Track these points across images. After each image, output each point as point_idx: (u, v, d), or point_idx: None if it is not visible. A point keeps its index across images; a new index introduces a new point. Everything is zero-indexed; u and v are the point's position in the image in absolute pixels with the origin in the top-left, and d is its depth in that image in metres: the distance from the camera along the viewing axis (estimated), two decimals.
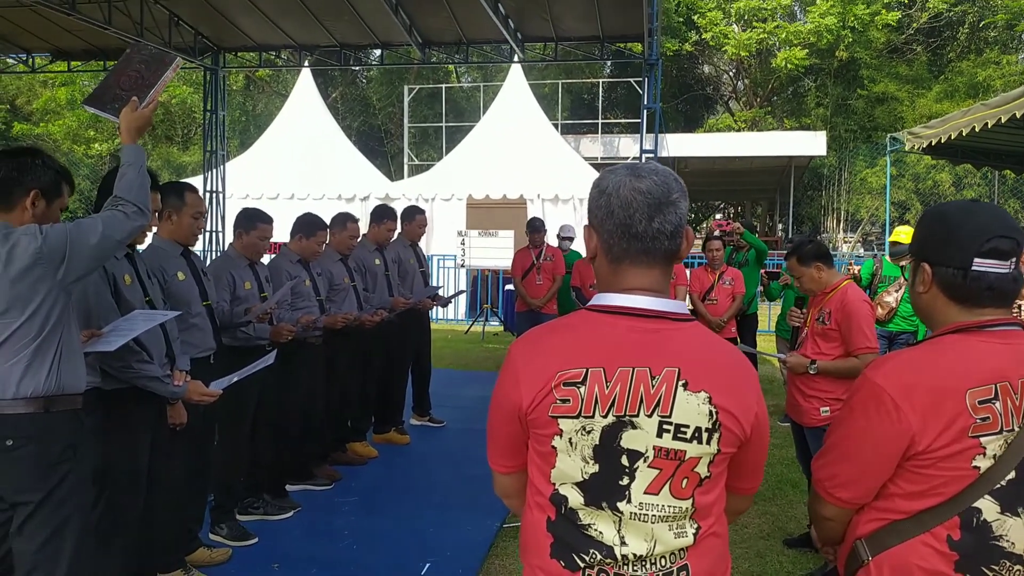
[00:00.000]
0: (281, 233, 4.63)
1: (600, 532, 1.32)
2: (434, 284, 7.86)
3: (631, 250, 1.35)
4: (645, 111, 10.32)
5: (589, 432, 1.31)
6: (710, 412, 1.31)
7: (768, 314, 10.65)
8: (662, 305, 1.35)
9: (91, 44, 11.07)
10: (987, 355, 1.46)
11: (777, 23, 24.53)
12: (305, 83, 16.49)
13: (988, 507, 1.43)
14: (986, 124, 6.24)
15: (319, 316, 4.60)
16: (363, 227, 5.72)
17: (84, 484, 2.47)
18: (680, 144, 19.54)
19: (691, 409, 1.31)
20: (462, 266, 12.33)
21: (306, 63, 12.70)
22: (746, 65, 27.35)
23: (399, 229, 5.87)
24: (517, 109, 15.27)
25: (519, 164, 14.12)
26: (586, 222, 1.44)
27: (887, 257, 6.48)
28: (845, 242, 26.06)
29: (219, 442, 3.86)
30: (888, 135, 10.85)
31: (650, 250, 1.35)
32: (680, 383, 1.31)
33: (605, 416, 1.31)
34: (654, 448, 1.31)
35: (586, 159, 16.12)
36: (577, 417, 1.31)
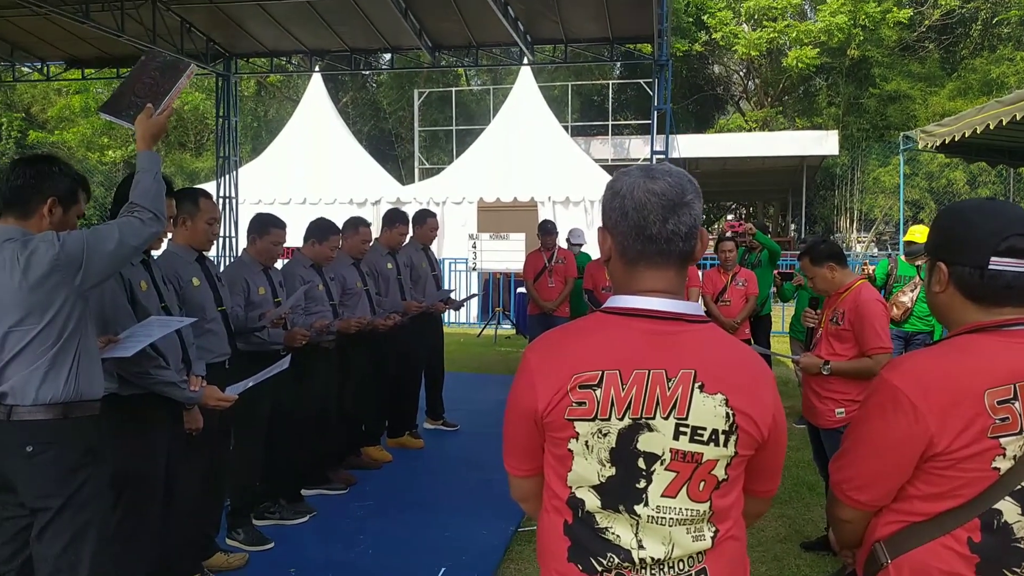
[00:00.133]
0: (294, 238, 4.66)
1: (617, 535, 1.32)
2: (446, 287, 7.87)
3: (646, 252, 1.35)
4: (655, 112, 10.30)
5: (605, 435, 1.31)
6: (727, 414, 1.30)
7: (782, 315, 10.60)
8: (677, 307, 1.34)
9: (104, 52, 11.17)
10: (1005, 355, 1.44)
11: (787, 22, 24.42)
12: (316, 88, 16.57)
13: (1009, 509, 1.41)
14: (1001, 121, 6.18)
15: (333, 320, 4.62)
16: (375, 231, 5.74)
17: (103, 490, 2.49)
18: (691, 145, 19.47)
19: (708, 411, 1.30)
20: (474, 269, 12.35)
21: (317, 68, 12.77)
22: (757, 65, 27.23)
23: (411, 233, 5.89)
24: (527, 111, 15.29)
25: (529, 166, 14.14)
26: (599, 224, 1.44)
27: (902, 257, 6.44)
28: (859, 242, 25.88)
29: (235, 447, 3.87)
30: (901, 134, 10.80)
31: (665, 252, 1.35)
32: (696, 385, 1.30)
33: (621, 419, 1.30)
34: (671, 451, 1.31)
35: (596, 161, 16.10)
36: (593, 420, 1.31)
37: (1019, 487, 1.41)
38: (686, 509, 1.32)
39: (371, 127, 27.53)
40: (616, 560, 1.32)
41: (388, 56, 12.10)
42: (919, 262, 5.98)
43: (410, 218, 5.89)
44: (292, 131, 16.48)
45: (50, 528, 2.33)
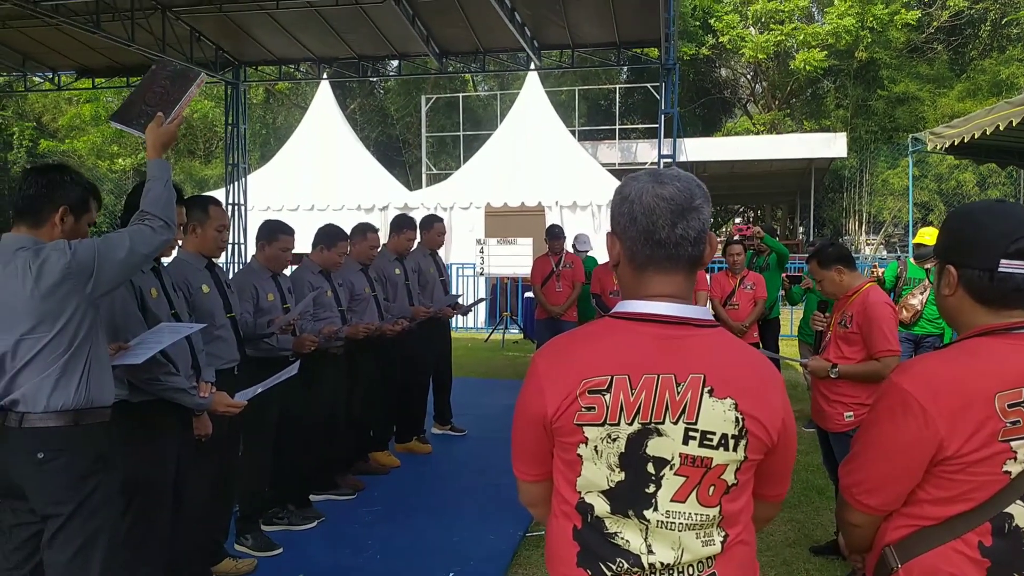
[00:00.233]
0: (302, 244, 4.67)
1: (627, 541, 1.32)
2: (454, 292, 7.88)
3: (655, 257, 1.35)
4: (663, 116, 10.29)
5: (615, 440, 1.31)
6: (736, 419, 1.30)
7: (790, 318, 10.57)
8: (686, 311, 1.34)
9: (115, 61, 11.26)
10: (1015, 358, 1.43)
11: (794, 25, 24.37)
12: (324, 95, 16.65)
13: (1020, 512, 1.41)
14: (1011, 122, 6.15)
15: (341, 326, 4.63)
16: (383, 237, 5.76)
17: (114, 496, 2.50)
18: (698, 148, 19.46)
19: (717, 416, 1.30)
20: (481, 274, 12.35)
21: (325, 75, 12.84)
22: (764, 68, 27.19)
23: (419, 238, 5.91)
24: (534, 116, 15.32)
25: (537, 171, 14.15)
26: (606, 229, 1.44)
27: (911, 259, 6.40)
28: (868, 244, 25.76)
29: (243, 453, 3.89)
30: (910, 135, 10.74)
31: (673, 256, 1.35)
32: (706, 390, 1.30)
33: (630, 424, 1.31)
34: (680, 455, 1.31)
35: (604, 165, 16.11)
36: (602, 425, 1.31)
37: None
38: (696, 514, 1.32)
39: (379, 133, 27.64)
40: (625, 565, 1.31)
41: (396, 63, 12.12)
42: (929, 265, 5.94)
43: (418, 223, 5.90)
44: (300, 138, 16.57)
45: (61, 535, 2.34)
